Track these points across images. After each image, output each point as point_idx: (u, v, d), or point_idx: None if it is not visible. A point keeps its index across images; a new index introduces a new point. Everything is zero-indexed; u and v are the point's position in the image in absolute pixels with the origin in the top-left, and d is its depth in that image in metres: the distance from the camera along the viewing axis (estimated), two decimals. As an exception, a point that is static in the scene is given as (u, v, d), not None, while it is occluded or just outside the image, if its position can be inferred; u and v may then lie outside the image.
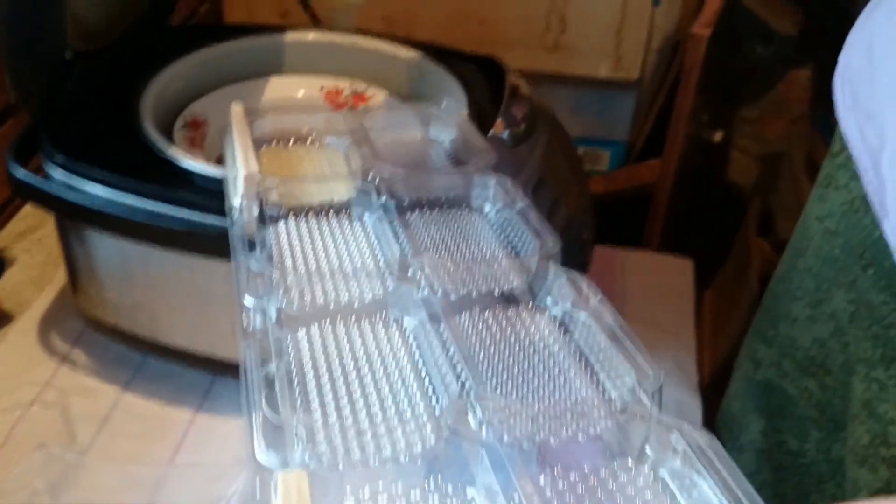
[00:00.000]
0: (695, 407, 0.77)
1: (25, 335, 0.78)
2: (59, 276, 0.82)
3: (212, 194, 0.60)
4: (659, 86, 1.45)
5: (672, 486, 0.34)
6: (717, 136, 1.60)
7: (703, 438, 0.34)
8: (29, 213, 0.93)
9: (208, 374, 0.73)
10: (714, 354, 1.21)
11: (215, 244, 0.60)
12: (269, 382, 0.37)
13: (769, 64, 1.67)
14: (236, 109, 0.61)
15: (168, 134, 0.72)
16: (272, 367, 0.37)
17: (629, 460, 0.35)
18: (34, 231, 0.91)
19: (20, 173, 0.66)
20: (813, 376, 0.69)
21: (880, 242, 0.57)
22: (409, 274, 0.44)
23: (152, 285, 0.69)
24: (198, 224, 0.62)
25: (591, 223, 0.76)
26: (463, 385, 0.37)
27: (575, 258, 0.72)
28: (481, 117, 0.71)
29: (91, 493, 0.63)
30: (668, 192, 1.23)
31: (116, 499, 0.63)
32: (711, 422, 0.81)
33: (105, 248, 0.69)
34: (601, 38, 1.30)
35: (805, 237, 0.69)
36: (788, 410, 0.73)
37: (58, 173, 0.65)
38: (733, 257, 1.55)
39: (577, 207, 0.73)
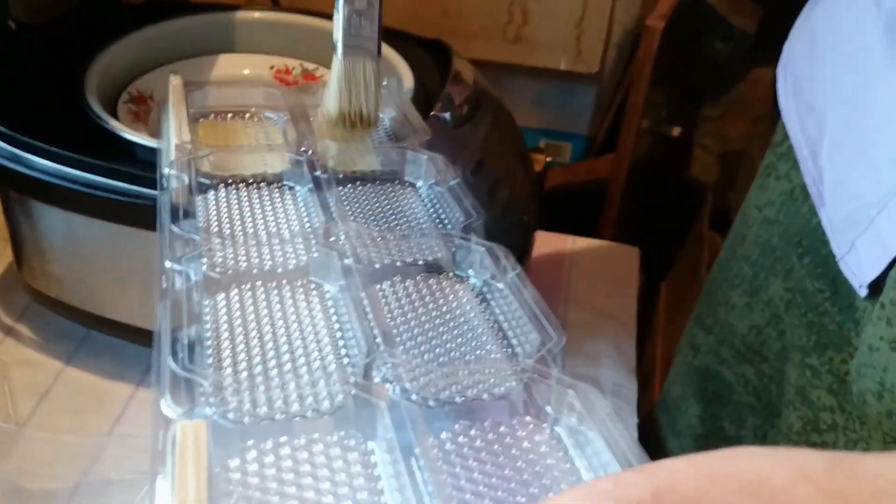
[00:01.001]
0: (631, 390, 0.79)
1: (-31, 308, 0.78)
2: (6, 253, 0.82)
3: (153, 167, 0.61)
4: (620, 80, 1.47)
5: (566, 441, 0.35)
6: (675, 131, 1.62)
7: (598, 399, 0.35)
8: (-23, 189, 0.93)
9: (150, 349, 0.73)
10: (667, 345, 1.23)
11: (155, 217, 0.61)
12: (182, 343, 0.37)
13: (730, 62, 1.69)
14: (175, 81, 0.62)
15: (113, 109, 0.72)
16: (185, 328, 0.38)
17: (528, 418, 0.36)
18: (-19, 206, 0.91)
19: (-39, 144, 0.66)
20: (750, 363, 0.70)
21: (818, 231, 0.58)
22: (333, 241, 0.45)
23: (94, 258, 0.69)
24: (138, 196, 0.63)
25: (534, 208, 0.77)
26: (374, 345, 0.38)
27: (515, 240, 0.74)
28: (427, 98, 0.72)
29: (27, 463, 0.63)
30: (621, 184, 1.24)
31: (53, 469, 0.64)
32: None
33: (48, 220, 0.69)
34: (562, 31, 1.31)
35: (745, 225, 0.70)
36: (726, 397, 0.74)
37: (1, 144, 0.66)
38: (687, 251, 1.57)
39: (520, 191, 0.75)
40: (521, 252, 0.74)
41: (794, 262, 0.62)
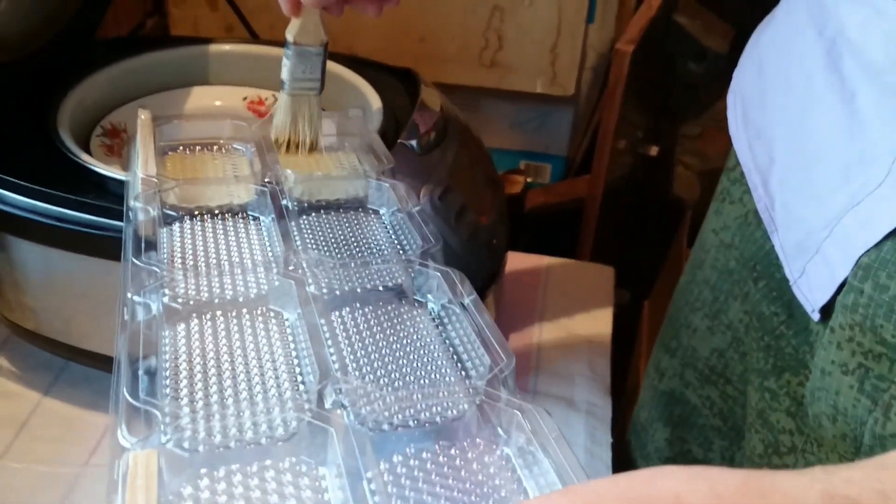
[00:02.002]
0: (605, 409, 0.80)
1: (-52, 342, 0.79)
2: (-15, 285, 0.83)
3: (123, 200, 0.62)
4: (596, 101, 1.49)
5: (515, 461, 0.36)
6: (654, 150, 1.63)
7: (545, 419, 0.36)
8: (-44, 223, 0.94)
9: (126, 379, 0.74)
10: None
11: (126, 249, 0.62)
12: (139, 373, 0.38)
13: (705, 81, 1.71)
14: (143, 116, 0.63)
15: (86, 144, 0.74)
16: (141, 360, 0.39)
17: (479, 439, 0.37)
18: (-40, 240, 0.92)
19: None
20: (714, 385, 0.71)
21: (771, 255, 0.59)
22: (292, 269, 0.46)
23: (69, 290, 0.70)
24: (111, 229, 0.64)
25: (503, 231, 0.79)
26: (327, 371, 0.39)
27: (485, 263, 0.75)
28: (397, 126, 0.74)
29: (5, 494, 0.63)
30: (598, 204, 1.26)
31: (31, 499, 0.64)
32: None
33: (23, 253, 0.70)
34: (537, 55, 1.33)
35: (703, 249, 0.71)
36: (692, 419, 0.74)
37: (-27, 180, 0.67)
38: (668, 267, 1.58)
39: (489, 215, 0.76)
40: (492, 275, 0.75)
41: (751, 285, 0.63)
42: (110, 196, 0.65)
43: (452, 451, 0.36)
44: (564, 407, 0.78)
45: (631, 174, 1.65)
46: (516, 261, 0.94)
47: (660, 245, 1.72)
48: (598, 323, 0.90)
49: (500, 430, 0.37)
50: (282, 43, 0.88)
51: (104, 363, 0.73)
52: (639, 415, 0.82)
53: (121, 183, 0.65)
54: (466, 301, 0.45)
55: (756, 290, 0.62)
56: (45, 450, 0.69)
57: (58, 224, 0.65)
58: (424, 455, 0.36)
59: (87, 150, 0.71)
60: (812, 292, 0.51)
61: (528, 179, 1.43)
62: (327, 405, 0.37)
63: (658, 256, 1.71)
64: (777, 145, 0.55)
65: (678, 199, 1.97)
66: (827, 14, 0.51)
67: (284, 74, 0.62)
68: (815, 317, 0.51)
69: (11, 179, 0.66)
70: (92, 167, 0.67)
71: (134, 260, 0.46)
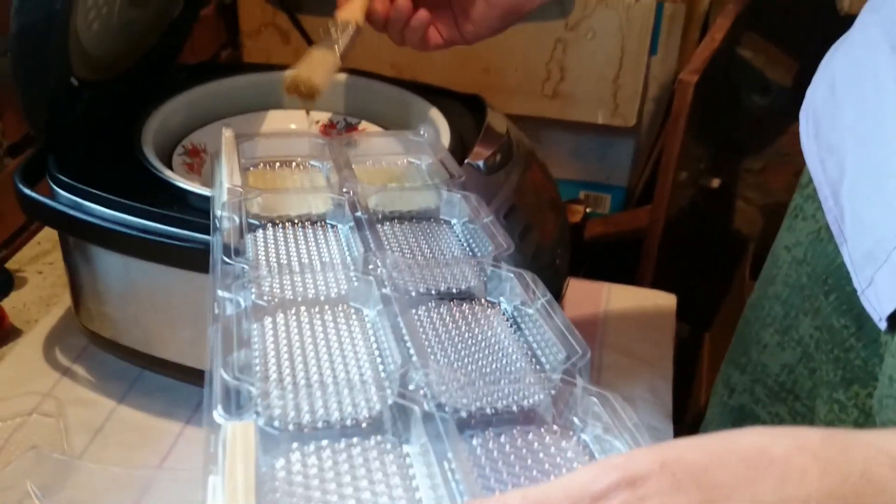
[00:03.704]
0: (667, 433, 0.80)
1: (31, 349, 0.82)
2: (67, 298, 0.87)
3: (204, 214, 0.64)
4: (658, 132, 1.50)
5: (593, 448, 0.37)
6: (715, 182, 1.63)
7: (624, 408, 0.37)
8: (43, 238, 0.98)
9: (199, 388, 0.76)
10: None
11: (206, 260, 0.64)
12: (232, 359, 0.40)
13: (769, 115, 1.71)
14: (227, 133, 0.66)
15: (168, 161, 0.77)
16: (236, 349, 0.41)
17: (556, 427, 0.38)
18: (47, 255, 0.96)
19: (27, 192, 0.70)
20: (783, 402, 0.71)
21: (842, 268, 0.59)
22: (371, 269, 0.48)
23: (148, 300, 0.73)
24: (191, 240, 0.67)
25: (566, 253, 0.80)
26: (408, 359, 0.40)
27: (547, 284, 0.76)
28: (464, 148, 0.76)
29: (80, 493, 0.66)
30: (658, 235, 1.26)
31: (105, 499, 0.66)
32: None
33: (105, 264, 0.73)
34: (599, 86, 1.34)
35: (775, 266, 0.72)
36: None
37: (62, 193, 0.70)
38: (730, 301, 1.57)
39: (551, 236, 0.77)
40: (553, 296, 0.76)
41: (822, 300, 0.63)
42: (191, 210, 0.68)
43: (530, 437, 0.37)
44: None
45: (692, 206, 1.65)
46: (577, 286, 0.95)
47: (720, 279, 1.71)
48: (660, 348, 0.90)
49: (576, 418, 0.38)
50: (350, 70, 0.91)
51: (179, 372, 0.76)
52: (706, 431, 0.82)
53: (201, 197, 0.67)
54: (541, 301, 0.46)
55: (827, 304, 0.62)
56: (120, 455, 0.72)
57: (141, 235, 0.68)
58: (502, 439, 0.37)
59: (170, 168, 0.74)
60: (880, 301, 0.51)
61: (588, 209, 1.43)
62: (410, 387, 0.38)
63: (718, 290, 1.69)
64: (848, 158, 0.56)
65: (739, 232, 1.96)
66: None
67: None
68: (883, 325, 0.51)
69: (98, 192, 0.69)
70: (175, 182, 0.70)
71: (224, 258, 0.48)
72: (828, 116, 0.61)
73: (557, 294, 0.79)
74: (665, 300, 0.97)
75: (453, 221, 0.58)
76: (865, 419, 0.55)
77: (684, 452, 0.29)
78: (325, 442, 0.36)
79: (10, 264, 0.94)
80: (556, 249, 0.79)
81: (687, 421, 1.17)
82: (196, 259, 0.67)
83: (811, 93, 0.66)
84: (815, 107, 0.64)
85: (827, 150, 0.60)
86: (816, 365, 0.65)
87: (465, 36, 0.73)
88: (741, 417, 0.76)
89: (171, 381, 0.78)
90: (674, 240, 1.43)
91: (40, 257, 0.96)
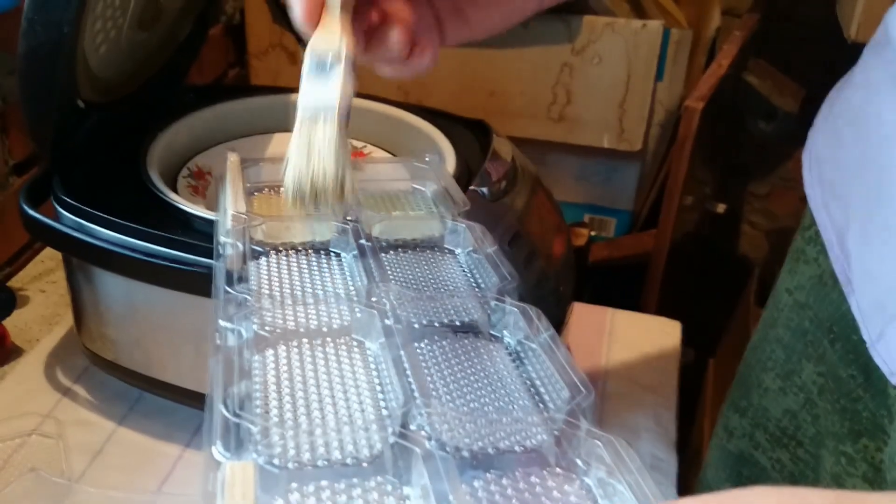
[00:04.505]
0: (671, 463, 0.79)
1: (32, 368, 0.82)
2: (69, 317, 0.87)
3: (208, 237, 0.64)
4: (663, 157, 1.50)
5: (596, 492, 0.36)
6: (720, 208, 1.63)
7: (627, 451, 0.36)
8: (47, 257, 0.98)
9: (200, 411, 0.76)
10: (715, 422, 1.22)
11: (209, 284, 0.64)
12: (232, 393, 0.40)
13: (775, 141, 1.71)
14: (232, 158, 0.65)
15: (173, 184, 0.77)
16: (236, 381, 0.40)
17: (559, 469, 0.37)
18: (50, 273, 0.96)
19: (31, 213, 0.70)
20: (785, 448, 0.70)
21: (848, 316, 0.58)
22: (375, 301, 0.48)
23: (150, 322, 0.72)
24: (194, 264, 0.66)
25: (570, 279, 0.79)
26: (410, 396, 0.40)
27: (551, 309, 0.76)
28: (469, 174, 0.76)
29: (79, 518, 0.65)
30: (663, 260, 1.26)
31: (104, 524, 0.66)
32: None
33: (108, 286, 0.73)
34: (604, 111, 1.35)
35: (776, 308, 0.70)
36: (761, 482, 0.73)
37: (67, 214, 0.70)
38: (735, 327, 1.56)
39: (556, 262, 0.77)
40: (557, 322, 0.76)
41: (826, 347, 0.62)
42: (195, 233, 0.67)
43: (532, 479, 0.37)
44: (629, 459, 0.78)
45: (697, 231, 1.65)
46: (581, 311, 0.94)
47: (725, 303, 1.71)
48: (665, 376, 0.90)
49: (579, 461, 0.38)
50: (356, 94, 0.91)
51: (179, 395, 0.75)
52: (706, 474, 0.81)
53: (206, 221, 0.67)
54: (544, 336, 0.45)
55: (832, 352, 0.61)
56: (119, 477, 0.71)
57: (144, 258, 0.68)
58: (504, 481, 0.37)
59: (175, 190, 0.74)
60: (891, 355, 0.50)
61: (592, 233, 1.43)
62: (411, 428, 0.38)
63: (723, 315, 1.69)
64: (854, 204, 0.55)
65: (745, 257, 1.95)
66: None
67: (299, 97, 0.51)
68: (894, 380, 0.50)
69: (101, 214, 0.69)
70: (179, 205, 0.70)
71: (227, 289, 0.48)
72: (830, 160, 0.60)
73: (561, 320, 0.78)
74: (670, 328, 0.97)
75: (457, 251, 0.58)
76: (875, 474, 0.54)
77: None
78: (324, 482, 0.35)
79: (13, 283, 0.94)
80: (561, 275, 0.79)
81: (690, 451, 1.16)
82: (199, 283, 0.66)
83: (813, 135, 0.65)
84: (818, 151, 0.63)
85: (831, 195, 0.59)
86: (820, 412, 0.64)
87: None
88: (741, 462, 0.75)
89: (171, 404, 0.77)
90: (679, 264, 1.43)
91: (43, 276, 0.96)
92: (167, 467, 0.73)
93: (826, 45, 1.29)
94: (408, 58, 0.51)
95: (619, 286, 1.37)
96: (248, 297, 0.48)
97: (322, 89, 0.50)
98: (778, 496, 0.29)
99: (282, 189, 0.61)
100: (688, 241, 1.54)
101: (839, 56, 0.69)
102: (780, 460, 0.70)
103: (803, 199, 0.68)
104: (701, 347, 1.50)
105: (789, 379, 0.68)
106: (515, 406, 0.42)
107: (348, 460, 0.37)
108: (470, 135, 0.84)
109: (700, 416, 1.43)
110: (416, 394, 0.40)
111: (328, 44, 0.49)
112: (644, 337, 0.95)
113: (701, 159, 1.41)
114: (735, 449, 0.75)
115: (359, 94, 0.87)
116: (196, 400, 0.75)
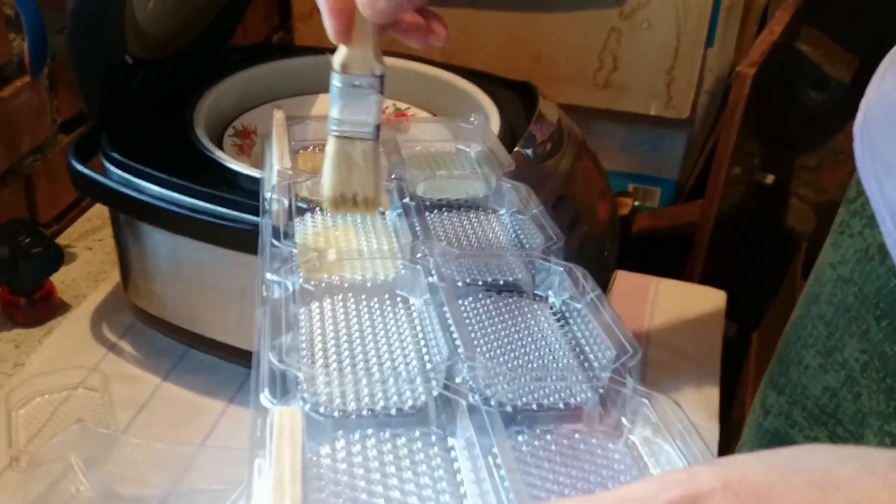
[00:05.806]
0: (713, 432, 0.78)
1: (79, 324, 0.83)
2: (115, 274, 0.88)
3: (254, 195, 0.65)
4: (711, 126, 1.47)
5: (641, 450, 0.36)
6: (769, 179, 1.60)
7: (675, 411, 0.36)
8: (94, 215, 1.00)
9: (244, 368, 0.77)
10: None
11: (254, 241, 0.65)
12: (278, 343, 0.40)
13: (826, 111, 1.67)
14: (278, 115, 0.65)
15: (219, 142, 0.77)
16: (283, 332, 0.41)
17: (603, 427, 0.37)
18: (97, 231, 0.97)
19: (79, 168, 0.71)
20: (824, 426, 0.68)
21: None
22: (419, 258, 0.47)
23: (195, 279, 0.73)
24: (240, 221, 0.67)
25: (614, 245, 0.78)
26: (454, 351, 0.40)
27: (594, 275, 0.75)
28: (513, 136, 0.75)
29: (123, 468, 0.66)
30: (709, 231, 1.24)
31: (147, 474, 0.67)
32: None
33: (155, 242, 0.73)
34: (652, 77, 1.32)
35: (819, 283, 0.68)
36: None
37: (114, 170, 0.71)
38: (780, 301, 1.54)
39: (600, 227, 0.76)
40: (600, 288, 0.75)
41: (871, 323, 0.60)
42: (241, 191, 0.68)
43: (576, 436, 0.37)
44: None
45: (744, 203, 1.62)
46: (625, 279, 0.93)
47: (771, 277, 1.68)
48: (708, 345, 0.89)
49: (624, 419, 0.37)
50: (400, 55, 0.91)
51: (223, 351, 0.76)
52: (740, 452, 0.80)
53: (251, 179, 0.68)
54: (590, 296, 0.45)
55: (878, 329, 0.59)
56: (163, 431, 0.72)
57: (190, 214, 0.68)
58: (549, 437, 0.36)
59: (220, 149, 0.74)
60: None
61: (637, 202, 1.41)
62: (456, 380, 0.38)
63: (769, 289, 1.66)
64: None
65: (792, 230, 1.92)
66: None
67: (331, 112, 0.52)
68: None
69: (149, 171, 0.69)
70: (225, 163, 0.70)
71: (273, 242, 0.48)
72: (884, 134, 0.58)
73: (604, 287, 0.78)
74: (715, 297, 0.96)
75: (502, 211, 0.57)
76: None
77: (748, 471, 0.28)
78: (369, 431, 0.35)
79: (61, 240, 0.95)
80: (605, 241, 0.78)
81: (731, 424, 1.15)
82: (244, 240, 0.67)
83: (864, 108, 0.63)
84: (870, 123, 0.61)
85: (883, 168, 0.57)
86: (862, 390, 0.63)
87: None
88: (775, 440, 0.74)
89: (216, 360, 0.78)
90: (724, 236, 1.41)
91: (90, 234, 0.97)
92: (211, 422, 0.74)
93: (880, 14, 1.26)
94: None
95: (662, 258, 1.36)
96: (294, 251, 0.48)
97: (356, 107, 0.51)
98: (837, 450, 0.28)
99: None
100: (734, 212, 1.51)
101: (892, 26, 0.66)
102: (817, 438, 0.69)
103: (852, 173, 0.66)
104: (744, 321, 1.48)
105: (830, 356, 0.66)
106: (559, 364, 0.41)
107: (392, 410, 0.37)
108: (515, 97, 0.83)
109: (742, 392, 1.41)
110: (461, 349, 0.40)
111: (363, 64, 0.51)
112: (688, 306, 0.94)
113: (750, 129, 1.38)
114: (771, 426, 0.74)
115: (403, 56, 0.88)
116: (240, 356, 0.76)
